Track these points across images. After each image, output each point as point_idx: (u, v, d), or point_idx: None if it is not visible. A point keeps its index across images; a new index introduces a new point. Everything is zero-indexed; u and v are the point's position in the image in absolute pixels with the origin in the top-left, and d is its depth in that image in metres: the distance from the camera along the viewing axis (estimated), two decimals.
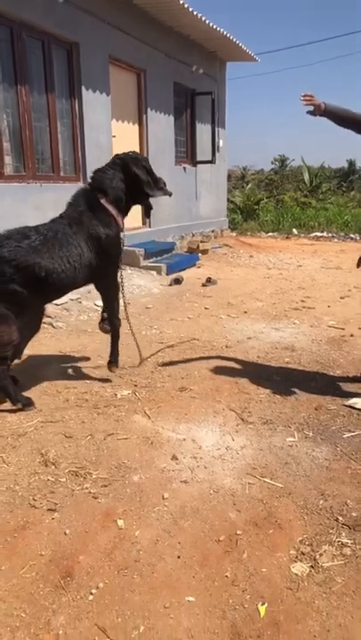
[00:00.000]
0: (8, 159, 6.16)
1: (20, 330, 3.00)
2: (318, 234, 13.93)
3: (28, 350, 3.49)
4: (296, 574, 1.84)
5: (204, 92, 10.60)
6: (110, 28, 7.51)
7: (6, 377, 3.08)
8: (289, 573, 1.85)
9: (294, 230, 14.39)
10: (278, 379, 3.67)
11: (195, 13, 8.39)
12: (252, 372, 3.80)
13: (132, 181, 3.40)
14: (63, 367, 3.85)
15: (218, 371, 3.77)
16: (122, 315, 3.63)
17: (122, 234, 3.45)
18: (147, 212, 4.00)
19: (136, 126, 8.79)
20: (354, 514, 2.18)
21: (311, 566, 1.88)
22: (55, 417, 3.04)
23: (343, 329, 4.92)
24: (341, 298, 6.30)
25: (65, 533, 2.03)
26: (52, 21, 6.40)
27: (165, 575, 1.83)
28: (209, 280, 7.14)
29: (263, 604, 1.71)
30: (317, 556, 1.93)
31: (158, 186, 3.54)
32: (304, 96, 3.13)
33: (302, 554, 1.95)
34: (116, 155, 3.53)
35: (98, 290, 3.55)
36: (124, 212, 3.47)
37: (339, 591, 1.77)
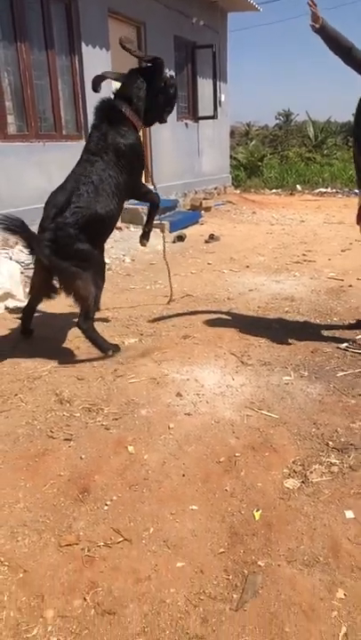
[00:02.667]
0: (11, 118, 6.21)
1: (94, 281, 3.19)
2: (323, 190, 13.86)
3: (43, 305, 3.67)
4: (288, 488, 2.07)
5: (205, 46, 10.43)
6: None
7: (94, 329, 3.30)
8: (282, 487, 2.08)
9: (298, 186, 14.31)
10: (277, 326, 3.86)
11: None
12: (253, 320, 3.99)
13: (155, 94, 3.41)
14: (73, 318, 4.05)
15: (219, 320, 3.96)
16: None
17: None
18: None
19: None
20: (343, 439, 2.39)
21: (302, 481, 2.11)
22: (68, 362, 3.25)
23: (342, 280, 5.07)
24: (342, 251, 6.42)
25: (81, 458, 2.26)
26: None
27: (171, 490, 2.06)
28: (212, 237, 7.25)
29: (258, 510, 1.94)
30: (308, 474, 2.15)
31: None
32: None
33: (294, 472, 2.17)
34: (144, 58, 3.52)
35: (135, 197, 3.70)
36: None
37: (325, 500, 1.99)
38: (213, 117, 10.88)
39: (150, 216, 3.77)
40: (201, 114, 10.77)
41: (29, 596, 1.60)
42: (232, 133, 22.73)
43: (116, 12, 7.74)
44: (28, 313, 3.59)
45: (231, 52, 11.81)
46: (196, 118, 10.71)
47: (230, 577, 1.66)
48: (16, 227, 2.95)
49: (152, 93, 3.43)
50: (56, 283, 3.26)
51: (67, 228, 3.03)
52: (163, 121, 3.66)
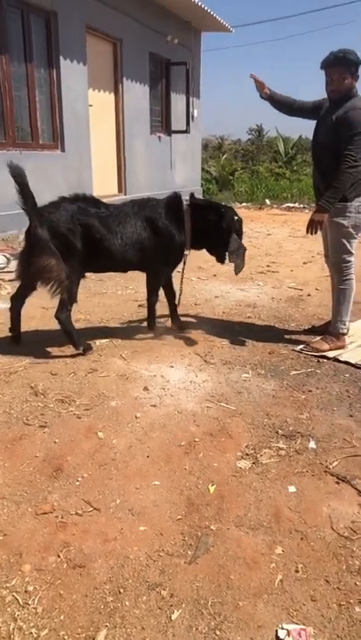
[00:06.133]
0: None
1: (69, 272, 3.36)
2: (290, 204, 14.35)
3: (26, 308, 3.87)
4: (240, 467, 2.34)
5: (179, 63, 10.82)
6: None
7: (71, 323, 3.52)
8: (235, 467, 2.34)
9: (267, 201, 14.78)
10: (240, 330, 4.15)
11: None
12: (217, 324, 4.27)
13: (212, 229, 3.75)
14: (47, 321, 4.26)
15: (186, 323, 4.23)
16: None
17: (186, 251, 3.83)
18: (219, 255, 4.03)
19: (112, 95, 9.01)
20: (291, 428, 2.68)
21: (253, 463, 2.38)
22: (42, 359, 3.47)
23: (302, 290, 5.41)
24: (304, 263, 6.79)
25: (55, 442, 2.49)
26: None
27: (137, 468, 2.31)
28: None
29: (213, 485, 2.20)
30: (258, 456, 2.42)
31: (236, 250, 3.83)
32: (252, 75, 3.69)
33: (247, 454, 2.44)
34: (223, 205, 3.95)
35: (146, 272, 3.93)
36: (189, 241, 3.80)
37: (272, 477, 2.27)
38: (186, 132, 11.25)
39: (149, 311, 4.02)
40: (174, 128, 11.13)
41: (8, 554, 1.82)
42: (205, 146, 23.27)
43: (93, 29, 8.04)
44: (16, 307, 3.72)
45: (207, 67, 12.22)
46: (169, 132, 11.06)
47: (186, 538, 1.91)
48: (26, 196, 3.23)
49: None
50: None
51: (72, 220, 3.34)
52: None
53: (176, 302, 4.14)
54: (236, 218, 3.83)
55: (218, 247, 3.89)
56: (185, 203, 3.77)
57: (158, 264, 3.81)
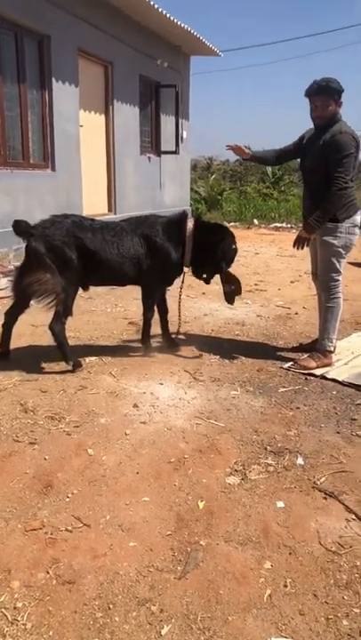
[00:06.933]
0: None
1: (64, 285, 3.41)
2: (278, 224, 14.57)
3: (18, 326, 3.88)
4: (229, 483, 2.36)
5: (168, 85, 11.02)
6: (80, 21, 7.84)
7: (64, 335, 3.55)
8: (224, 483, 2.36)
9: (255, 221, 14.99)
10: (228, 347, 4.19)
11: (159, 10, 8.79)
12: (206, 342, 4.31)
13: (213, 252, 3.83)
14: (36, 338, 4.27)
15: (176, 341, 4.26)
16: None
17: (185, 269, 3.90)
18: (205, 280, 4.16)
19: (103, 116, 9.15)
20: (279, 444, 2.71)
21: (242, 479, 2.40)
22: (31, 376, 3.48)
23: (290, 308, 5.48)
24: (292, 282, 6.88)
25: (45, 459, 2.49)
26: (25, 14, 6.73)
27: (126, 485, 2.32)
28: None
29: (202, 501, 2.22)
30: (247, 472, 2.45)
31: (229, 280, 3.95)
32: (228, 146, 3.93)
33: (236, 471, 2.46)
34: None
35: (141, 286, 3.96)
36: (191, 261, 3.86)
37: (261, 493, 2.29)
38: (175, 152, 11.42)
39: (144, 328, 4.03)
40: (164, 149, 11.29)
41: None
42: (194, 167, 23.55)
43: (85, 52, 8.19)
44: (9, 322, 3.74)
45: (196, 89, 12.47)
46: (159, 153, 11.21)
47: (175, 553, 1.92)
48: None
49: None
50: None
51: (67, 234, 3.42)
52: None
53: (178, 317, 4.24)
54: (233, 247, 3.96)
55: (211, 268, 3.96)
56: (190, 222, 3.82)
57: (153, 280, 3.85)
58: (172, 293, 4.24)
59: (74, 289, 3.57)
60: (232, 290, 3.98)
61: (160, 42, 10.51)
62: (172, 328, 4.24)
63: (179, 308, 4.20)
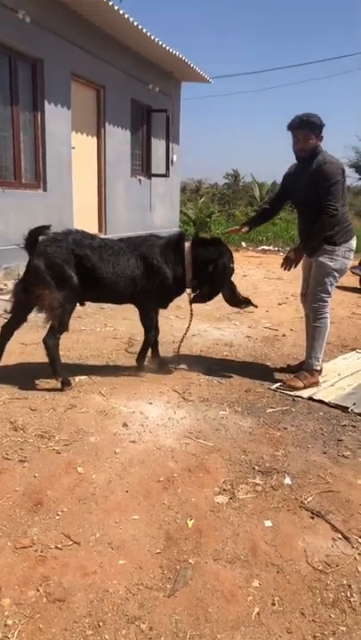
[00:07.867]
0: None
1: (62, 301, 3.47)
2: (265, 247, 14.77)
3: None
4: (218, 502, 2.39)
5: (159, 110, 11.22)
6: (73, 46, 8.00)
7: (57, 351, 3.60)
8: (213, 502, 2.39)
9: (243, 243, 15.17)
10: (217, 368, 4.24)
11: (151, 37, 9.00)
12: (195, 362, 4.36)
13: (213, 271, 3.88)
14: (25, 357, 4.29)
15: (165, 361, 4.29)
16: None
17: (187, 290, 3.97)
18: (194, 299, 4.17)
19: (94, 139, 9.28)
20: (267, 464, 2.74)
21: (230, 498, 2.43)
22: (21, 394, 3.49)
23: (277, 330, 5.56)
24: (279, 304, 6.98)
25: (34, 476, 2.50)
26: (19, 38, 6.85)
27: (116, 503, 2.33)
28: None
29: (191, 519, 2.24)
30: (236, 492, 2.48)
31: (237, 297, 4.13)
32: (229, 230, 4.33)
33: (224, 490, 2.49)
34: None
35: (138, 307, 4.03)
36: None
37: (249, 512, 2.32)
38: (165, 175, 11.58)
39: (143, 347, 4.07)
40: (154, 171, 11.44)
41: None
42: (183, 189, 23.83)
43: (78, 75, 8.34)
44: (4, 337, 3.76)
45: (188, 114, 12.72)
46: (149, 175, 11.36)
47: (165, 571, 1.94)
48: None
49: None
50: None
51: (66, 252, 3.50)
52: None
53: (181, 339, 4.35)
54: (232, 266, 4.06)
55: (213, 281, 4.00)
56: (187, 242, 3.89)
57: (150, 300, 3.92)
58: (163, 313, 4.28)
59: (71, 305, 3.64)
60: (237, 294, 4.18)
61: (152, 67, 10.73)
62: (162, 349, 4.27)
63: (187, 329, 4.30)
